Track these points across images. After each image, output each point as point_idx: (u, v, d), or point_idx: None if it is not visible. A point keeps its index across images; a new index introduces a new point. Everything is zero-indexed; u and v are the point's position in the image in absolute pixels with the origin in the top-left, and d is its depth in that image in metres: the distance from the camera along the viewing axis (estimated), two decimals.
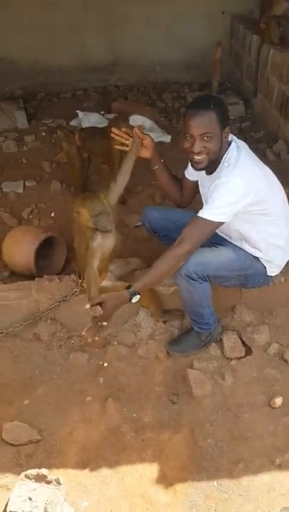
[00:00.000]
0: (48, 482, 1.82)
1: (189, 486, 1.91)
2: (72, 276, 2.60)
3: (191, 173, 2.39)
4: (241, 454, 2.01)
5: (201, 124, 2.02)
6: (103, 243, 2.27)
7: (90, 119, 4.75)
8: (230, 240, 2.35)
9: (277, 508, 1.82)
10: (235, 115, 4.91)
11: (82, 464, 1.99)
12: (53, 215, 3.52)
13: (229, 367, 2.38)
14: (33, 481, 1.83)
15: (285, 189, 2.32)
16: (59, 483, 1.83)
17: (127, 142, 2.32)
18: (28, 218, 3.49)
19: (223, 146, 2.11)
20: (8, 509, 1.76)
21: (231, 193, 2.04)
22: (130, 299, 2.11)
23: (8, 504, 1.77)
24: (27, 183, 3.88)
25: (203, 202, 2.33)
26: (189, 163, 2.35)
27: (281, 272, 2.45)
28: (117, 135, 2.32)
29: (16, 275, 2.89)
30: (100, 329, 2.13)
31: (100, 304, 2.10)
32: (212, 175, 2.19)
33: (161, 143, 4.43)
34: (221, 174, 2.08)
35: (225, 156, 2.12)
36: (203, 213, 2.07)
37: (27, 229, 3.07)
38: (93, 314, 2.09)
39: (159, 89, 5.85)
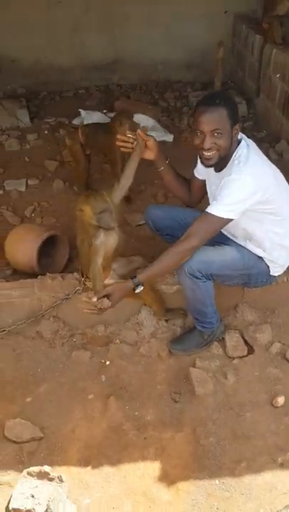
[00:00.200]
0: (51, 479, 1.83)
1: (191, 485, 1.92)
2: (75, 274, 2.60)
3: (200, 172, 2.39)
4: (243, 453, 2.02)
5: (212, 120, 2.02)
6: (106, 241, 2.27)
7: (92, 118, 4.74)
8: (234, 240, 2.34)
9: (279, 507, 1.82)
10: None
11: (84, 462, 2.00)
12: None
13: (231, 366, 2.39)
14: (36, 478, 1.83)
15: None
16: (61, 481, 1.83)
17: (132, 146, 2.30)
18: (31, 217, 3.50)
19: (233, 143, 2.11)
20: (10, 506, 1.76)
21: (241, 191, 2.04)
22: (134, 290, 2.13)
23: (11, 501, 1.78)
24: (29, 182, 3.89)
25: (210, 199, 2.33)
26: (198, 162, 2.35)
27: (284, 271, 2.45)
28: (123, 141, 2.30)
29: (19, 273, 2.89)
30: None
31: (106, 296, 2.12)
32: (221, 172, 2.19)
33: (163, 142, 4.43)
34: (232, 171, 2.07)
35: (235, 153, 2.12)
36: (212, 209, 2.07)
37: (30, 227, 3.07)
38: (101, 307, 2.12)
39: (161, 88, 5.85)
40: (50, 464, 1.92)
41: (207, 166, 2.17)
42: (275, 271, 2.38)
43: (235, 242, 2.33)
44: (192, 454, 2.02)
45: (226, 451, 2.03)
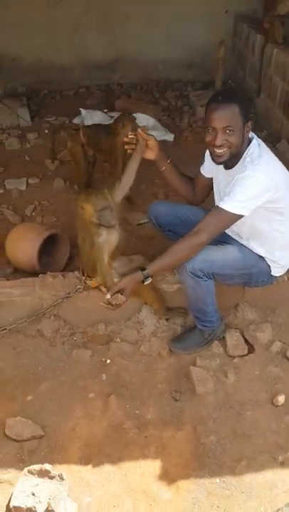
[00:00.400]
0: (51, 477, 1.83)
1: (192, 483, 1.92)
2: (76, 273, 2.60)
3: (206, 170, 2.38)
4: (244, 452, 2.02)
5: (224, 117, 2.01)
6: (108, 239, 2.27)
7: (93, 117, 4.75)
8: (237, 238, 2.34)
9: (280, 505, 1.82)
10: None
11: (85, 460, 2.00)
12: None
13: (232, 365, 2.39)
14: (36, 476, 1.83)
15: None
16: (62, 479, 1.83)
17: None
18: (31, 215, 3.50)
19: (245, 141, 2.10)
20: (11, 504, 1.77)
21: (255, 187, 2.03)
22: (143, 282, 2.15)
23: (11, 499, 1.78)
24: (30, 181, 3.89)
25: (217, 197, 2.32)
26: (205, 160, 2.35)
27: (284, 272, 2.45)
28: (127, 142, 2.30)
29: (19, 272, 2.90)
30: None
31: (119, 291, 2.13)
32: (231, 170, 2.18)
33: (164, 141, 4.43)
34: (246, 168, 2.06)
35: (247, 151, 2.11)
36: (224, 205, 2.06)
37: (30, 226, 3.08)
38: (116, 302, 2.13)
39: (162, 88, 5.85)
40: (51, 462, 1.92)
41: (218, 163, 2.15)
42: (277, 271, 2.38)
43: (237, 242, 2.33)
44: (193, 453, 2.02)
45: (226, 449, 2.03)
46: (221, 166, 2.21)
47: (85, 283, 2.48)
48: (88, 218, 2.23)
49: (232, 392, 2.27)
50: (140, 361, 2.42)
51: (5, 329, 2.47)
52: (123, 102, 5.17)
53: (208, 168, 2.36)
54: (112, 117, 4.73)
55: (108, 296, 2.14)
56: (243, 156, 2.12)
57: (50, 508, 1.74)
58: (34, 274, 2.72)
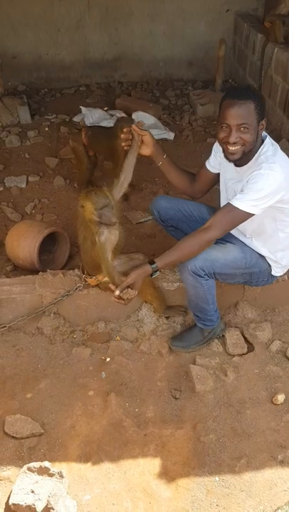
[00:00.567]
0: (51, 475, 1.83)
1: (191, 481, 1.92)
2: (76, 271, 2.60)
3: (213, 165, 2.36)
4: (243, 450, 2.02)
5: (239, 114, 1.98)
6: (110, 236, 2.26)
7: (93, 115, 4.74)
8: (239, 237, 2.32)
9: (279, 504, 1.83)
10: None
11: (84, 458, 2.00)
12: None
13: (231, 363, 2.39)
14: (36, 473, 1.83)
15: None
16: (62, 476, 1.83)
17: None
18: (31, 213, 3.49)
19: (258, 139, 2.07)
20: (10, 501, 1.77)
21: (269, 186, 2.01)
22: (151, 275, 2.15)
23: (11, 496, 1.78)
24: (30, 178, 3.88)
25: (224, 194, 2.31)
26: (212, 155, 2.32)
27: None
28: (126, 139, 2.29)
29: (19, 270, 2.90)
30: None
31: (129, 286, 2.13)
32: (242, 167, 2.15)
33: (164, 140, 4.43)
34: (261, 167, 2.02)
35: (260, 149, 2.08)
36: (237, 202, 2.04)
37: (30, 224, 3.07)
38: (128, 297, 2.13)
39: (163, 87, 5.84)
40: (50, 460, 1.93)
41: (230, 161, 2.11)
42: (277, 271, 2.38)
43: (239, 240, 2.33)
44: (192, 451, 2.02)
45: (225, 448, 2.03)
46: (230, 164, 2.18)
47: (85, 281, 2.48)
48: (89, 217, 2.23)
49: (231, 390, 2.27)
50: (140, 359, 2.42)
51: (4, 327, 2.47)
52: (123, 100, 5.16)
53: (215, 164, 2.34)
54: (112, 115, 4.73)
55: (117, 292, 2.12)
56: (257, 154, 2.09)
57: (49, 506, 1.74)
58: (34, 271, 2.71)
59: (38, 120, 4.94)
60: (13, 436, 2.05)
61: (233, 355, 2.43)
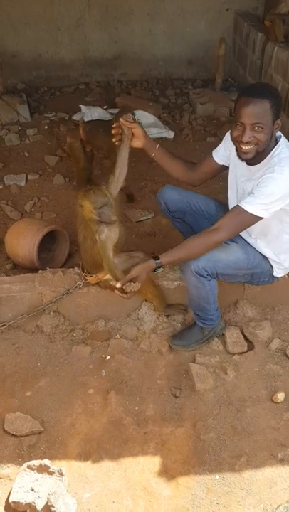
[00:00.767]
0: (51, 473, 1.83)
1: (191, 479, 1.92)
2: (76, 269, 2.59)
3: (221, 158, 2.32)
4: (243, 448, 2.02)
5: (254, 113, 1.93)
6: (110, 235, 2.26)
7: (93, 114, 4.73)
8: (246, 236, 2.30)
9: (279, 502, 1.83)
10: None
11: (84, 456, 2.00)
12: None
13: (231, 362, 2.39)
14: (36, 471, 1.83)
15: None
16: (61, 474, 1.83)
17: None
18: (31, 211, 3.49)
19: (272, 138, 2.03)
20: (10, 499, 1.77)
21: (281, 190, 1.98)
22: (154, 270, 2.14)
23: (11, 494, 1.78)
24: (29, 177, 3.87)
25: (233, 191, 2.29)
26: (222, 147, 2.29)
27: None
28: (117, 133, 2.27)
29: (19, 268, 2.89)
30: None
31: (131, 280, 2.12)
32: (254, 166, 2.11)
33: (164, 139, 4.42)
34: (274, 170, 1.99)
35: (274, 150, 2.05)
36: (247, 206, 2.01)
37: (30, 222, 3.06)
38: (131, 290, 2.12)
39: (162, 85, 5.84)
40: (50, 458, 1.92)
41: (243, 160, 2.08)
42: (279, 272, 2.37)
43: (242, 240, 2.30)
44: (192, 449, 2.02)
45: (226, 446, 2.03)
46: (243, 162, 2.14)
47: (85, 279, 2.47)
48: (88, 216, 2.23)
49: (231, 389, 2.27)
50: (140, 358, 2.42)
51: (4, 325, 2.46)
52: (123, 99, 5.15)
53: (224, 156, 2.30)
54: (112, 114, 4.72)
55: (119, 285, 2.12)
56: (270, 155, 2.05)
57: (49, 504, 1.74)
58: (34, 270, 2.71)
59: (38, 118, 4.93)
60: (12, 434, 2.05)
61: (233, 354, 2.42)
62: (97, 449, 2.02)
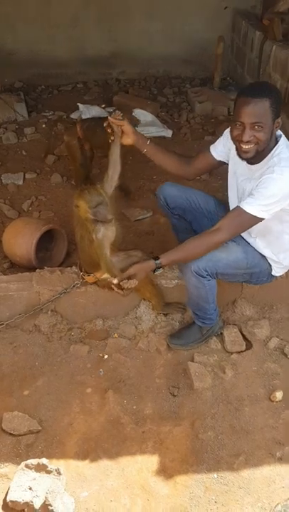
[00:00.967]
0: (49, 472, 1.83)
1: (189, 478, 1.91)
2: (74, 268, 2.59)
3: (219, 154, 2.31)
4: (242, 447, 2.02)
5: (254, 112, 1.92)
6: (107, 233, 2.26)
7: (90, 112, 4.72)
8: (246, 236, 2.28)
9: (277, 501, 1.82)
10: None
11: (82, 455, 1.99)
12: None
13: (230, 360, 2.39)
14: (34, 470, 1.83)
15: None
16: (59, 473, 1.83)
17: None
18: (28, 210, 3.48)
19: (272, 137, 2.03)
20: (8, 498, 1.76)
21: (281, 191, 1.98)
22: (154, 271, 2.13)
23: (8, 493, 1.78)
24: (27, 175, 3.86)
25: (233, 190, 2.28)
26: (221, 144, 2.28)
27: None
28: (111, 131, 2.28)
29: (16, 267, 2.88)
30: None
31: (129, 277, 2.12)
32: (254, 165, 2.11)
33: (162, 138, 4.42)
34: (274, 170, 1.99)
35: (274, 149, 2.04)
36: (247, 207, 2.01)
37: (28, 221, 3.05)
38: (128, 286, 2.12)
39: (160, 84, 5.83)
40: (48, 457, 1.92)
41: (243, 159, 2.07)
42: (277, 271, 2.37)
43: (241, 239, 2.29)
44: (190, 448, 2.01)
45: (224, 445, 2.03)
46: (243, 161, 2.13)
47: (83, 278, 2.47)
48: (84, 215, 2.22)
49: (230, 387, 2.26)
50: (138, 357, 2.42)
51: (2, 324, 2.46)
52: (121, 97, 5.15)
53: (222, 152, 2.29)
54: (109, 112, 4.71)
55: (116, 280, 2.12)
56: (270, 154, 2.04)
57: (47, 503, 1.74)
58: (31, 269, 2.70)
59: (35, 117, 4.92)
60: (10, 433, 2.04)
61: (231, 353, 2.42)
62: (95, 448, 2.02)
